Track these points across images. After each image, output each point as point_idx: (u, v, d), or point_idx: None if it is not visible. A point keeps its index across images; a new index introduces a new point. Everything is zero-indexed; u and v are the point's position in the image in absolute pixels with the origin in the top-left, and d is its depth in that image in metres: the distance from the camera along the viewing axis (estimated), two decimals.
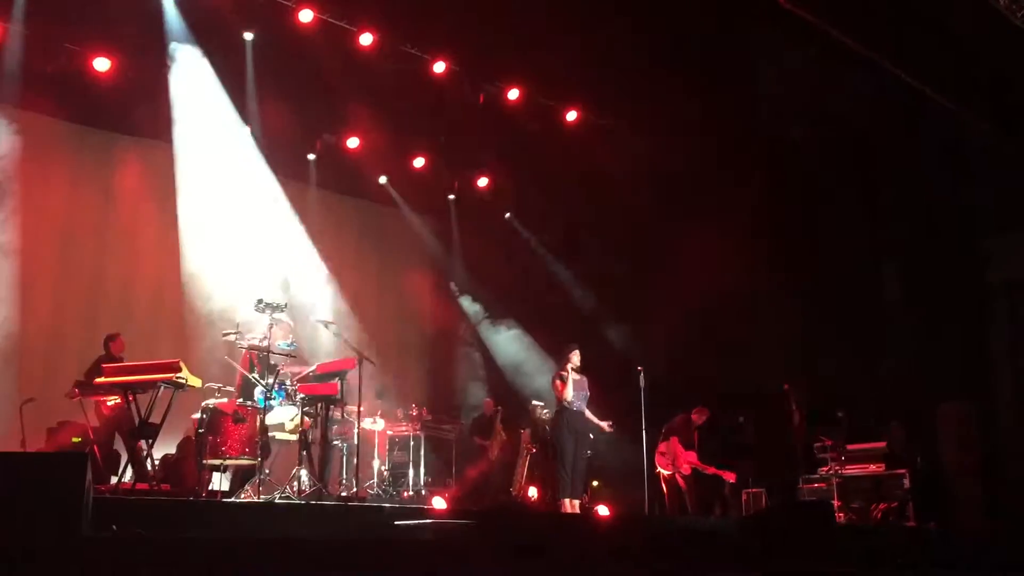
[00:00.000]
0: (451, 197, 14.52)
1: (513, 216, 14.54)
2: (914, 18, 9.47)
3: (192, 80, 11.10)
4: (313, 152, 13.08)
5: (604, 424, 9.55)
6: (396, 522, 5.88)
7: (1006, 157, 11.26)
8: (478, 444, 12.29)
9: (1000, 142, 11.15)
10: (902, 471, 10.24)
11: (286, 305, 8.54)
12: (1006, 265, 11.48)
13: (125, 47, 10.41)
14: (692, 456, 10.97)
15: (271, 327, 8.32)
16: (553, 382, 9.51)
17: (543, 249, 14.15)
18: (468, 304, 14.18)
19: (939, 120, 10.76)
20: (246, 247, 12.54)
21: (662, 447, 11.03)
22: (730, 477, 10.81)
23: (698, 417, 11.18)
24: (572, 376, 9.34)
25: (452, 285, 14.29)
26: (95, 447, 8.70)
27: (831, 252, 11.72)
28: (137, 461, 8.16)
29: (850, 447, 10.61)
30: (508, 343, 13.72)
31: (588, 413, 9.50)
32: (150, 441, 7.75)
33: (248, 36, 10.76)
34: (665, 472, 11.02)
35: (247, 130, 12.31)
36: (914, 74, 10.10)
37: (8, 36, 9.89)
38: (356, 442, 9.26)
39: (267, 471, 8.19)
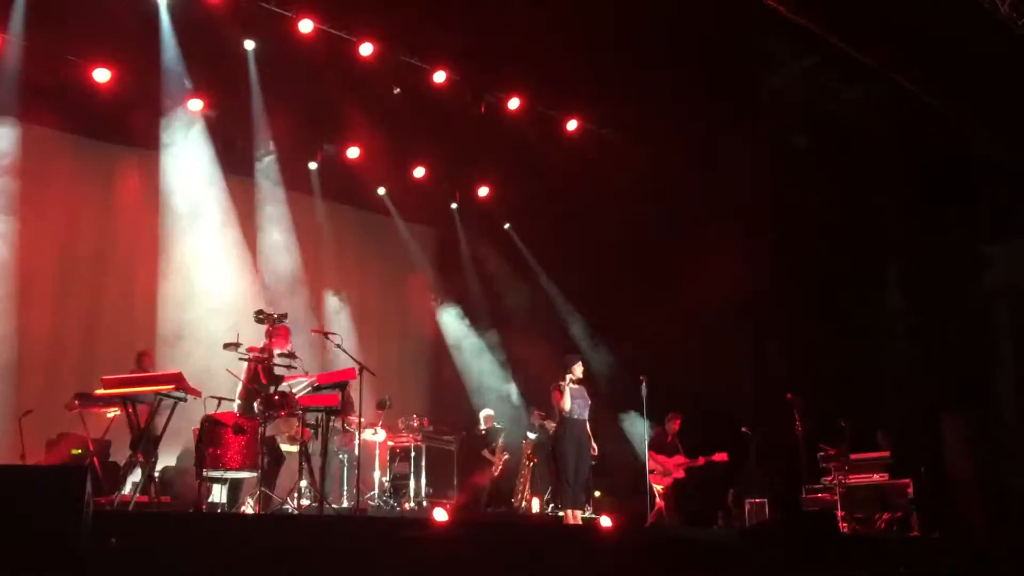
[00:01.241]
0: (453, 206, 14.50)
1: (513, 226, 14.53)
2: (914, 26, 9.46)
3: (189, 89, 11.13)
4: (314, 162, 13.07)
5: (594, 445, 9.52)
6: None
7: (1007, 163, 11.26)
8: (486, 458, 12.19)
9: (1000, 149, 11.16)
10: (906, 480, 10.19)
11: (286, 316, 8.51)
12: (1008, 271, 11.47)
13: (124, 58, 10.38)
14: (679, 459, 10.95)
15: (271, 338, 8.31)
16: (552, 393, 9.46)
17: (543, 257, 14.13)
18: (451, 317, 14.15)
19: (940, 127, 10.76)
20: (247, 258, 12.54)
21: (650, 464, 10.98)
22: (722, 457, 10.79)
23: (672, 425, 11.16)
24: (571, 386, 9.30)
25: (434, 300, 14.22)
26: (95, 459, 8.65)
27: (833, 259, 11.69)
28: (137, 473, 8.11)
29: (853, 456, 10.57)
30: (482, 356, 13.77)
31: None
32: (150, 453, 7.71)
33: (249, 46, 10.74)
34: (659, 487, 10.98)
35: (248, 139, 12.35)
36: (914, 81, 10.10)
37: (7, 47, 9.88)
38: (357, 453, 9.23)
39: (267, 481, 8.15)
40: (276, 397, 7.94)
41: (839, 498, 10.20)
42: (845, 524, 9.95)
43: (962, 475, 10.71)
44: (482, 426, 12.56)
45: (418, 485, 11.07)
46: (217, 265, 12.26)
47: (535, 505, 11.54)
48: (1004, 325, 11.52)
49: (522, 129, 12.20)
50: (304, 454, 8.47)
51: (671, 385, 10.74)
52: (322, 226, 13.91)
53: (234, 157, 12.47)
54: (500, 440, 12.18)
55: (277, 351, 8.34)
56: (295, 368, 8.55)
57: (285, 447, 8.93)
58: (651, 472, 10.90)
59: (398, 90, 11.20)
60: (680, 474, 10.90)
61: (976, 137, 11.06)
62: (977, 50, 9.76)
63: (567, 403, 9.22)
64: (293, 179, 13.15)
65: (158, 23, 10.21)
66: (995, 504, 10.55)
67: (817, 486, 10.68)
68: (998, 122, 10.76)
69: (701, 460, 10.86)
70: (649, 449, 10.94)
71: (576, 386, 9.34)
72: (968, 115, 10.68)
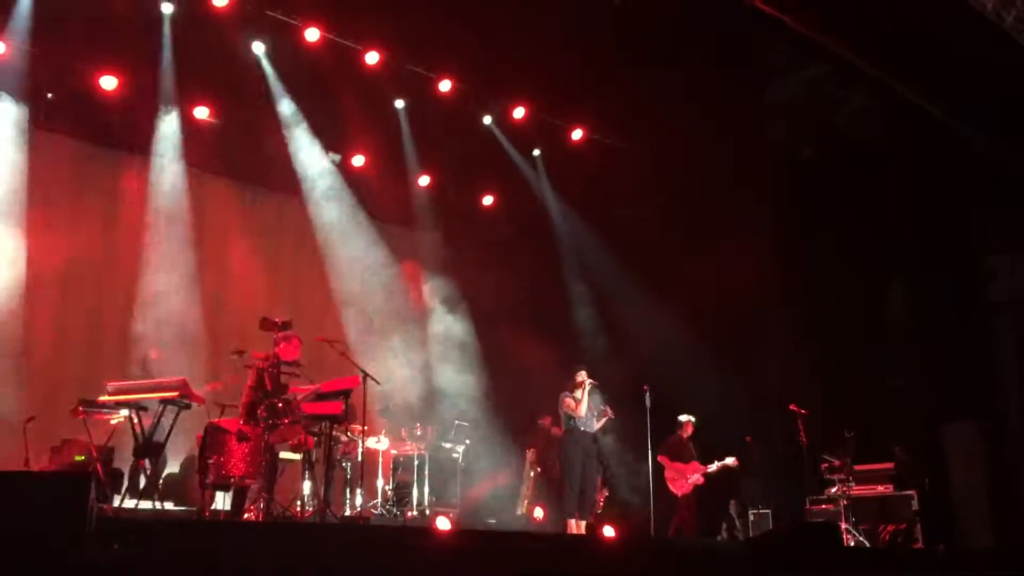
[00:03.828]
0: (462, 214, 14.50)
1: (516, 234, 14.53)
2: (919, 37, 9.48)
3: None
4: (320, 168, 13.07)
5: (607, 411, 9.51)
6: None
7: (1010, 175, 11.25)
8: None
9: (1004, 160, 11.15)
10: (910, 492, 10.17)
11: (290, 323, 8.51)
12: (1011, 283, 11.45)
13: (131, 65, 10.42)
14: (695, 466, 10.95)
15: (276, 345, 8.32)
16: (563, 400, 9.46)
17: (548, 266, 14.13)
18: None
19: (944, 138, 10.76)
20: (252, 264, 12.57)
21: (667, 473, 10.99)
22: (734, 462, 10.86)
23: (686, 428, 11.16)
24: (581, 395, 9.33)
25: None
26: (98, 465, 8.66)
27: (837, 269, 11.69)
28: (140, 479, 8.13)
29: (857, 468, 10.55)
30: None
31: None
32: (153, 460, 7.73)
33: (259, 49, 10.76)
34: (681, 493, 10.97)
35: (252, 146, 12.39)
36: (919, 92, 10.11)
37: (15, 54, 9.93)
38: (360, 461, 9.22)
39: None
40: (280, 405, 7.94)
41: (843, 509, 10.18)
42: (849, 536, 9.93)
43: (967, 486, 10.68)
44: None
45: (421, 493, 11.06)
46: (222, 272, 12.31)
47: (538, 514, 11.52)
48: (1008, 335, 11.49)
49: (527, 138, 12.23)
50: (307, 462, 8.47)
51: (674, 395, 10.73)
52: (326, 233, 13.94)
53: (238, 164, 12.53)
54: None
55: (282, 359, 8.35)
56: (298, 376, 8.56)
57: (288, 455, 8.92)
58: (672, 480, 10.91)
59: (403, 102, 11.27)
60: (700, 481, 10.92)
61: (981, 147, 11.06)
62: (982, 60, 9.77)
63: (583, 409, 9.26)
64: (297, 186, 13.19)
65: (164, 30, 10.25)
66: (1000, 515, 10.51)
67: (821, 497, 10.65)
68: (1003, 132, 10.76)
69: (717, 466, 10.88)
70: (662, 455, 10.95)
71: (588, 397, 9.38)
72: (973, 125, 10.68)
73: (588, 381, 9.38)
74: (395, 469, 11.34)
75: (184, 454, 10.13)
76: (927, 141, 10.94)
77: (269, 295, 12.47)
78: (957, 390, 10.95)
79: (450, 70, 11.32)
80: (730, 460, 10.84)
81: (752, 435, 11.28)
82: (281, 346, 8.37)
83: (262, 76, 10.99)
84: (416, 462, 11.14)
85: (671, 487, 10.89)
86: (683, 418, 11.16)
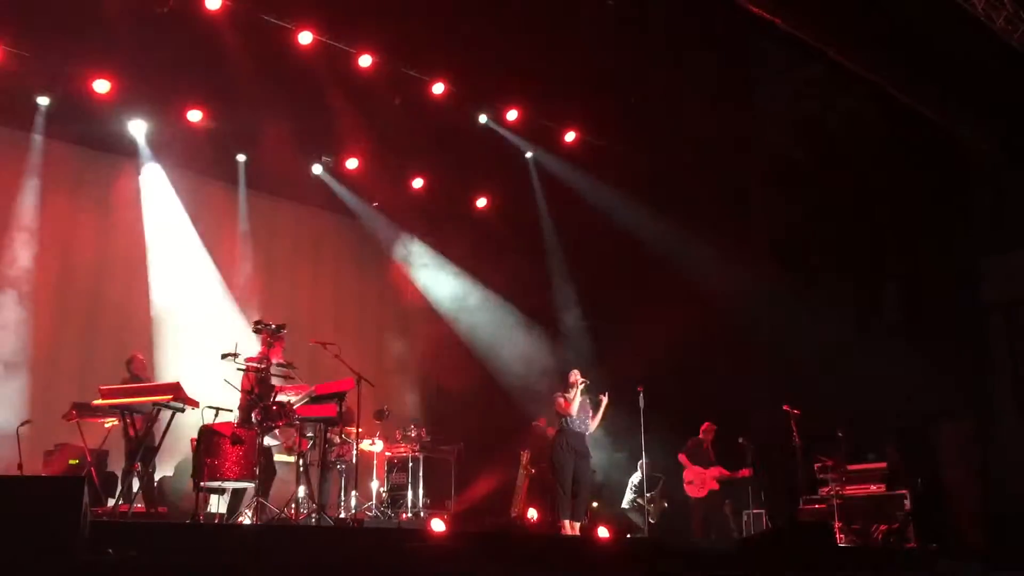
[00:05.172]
0: (455, 216, 14.50)
1: (509, 237, 14.55)
2: (911, 40, 9.52)
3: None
4: (312, 173, 13.09)
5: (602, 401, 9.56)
6: None
7: (1003, 176, 11.29)
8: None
9: (997, 162, 11.19)
10: (903, 491, 10.20)
11: (284, 326, 8.52)
12: (1005, 284, 11.48)
13: (124, 69, 10.41)
14: (717, 471, 11.03)
15: (269, 348, 8.32)
16: (556, 400, 9.48)
17: (542, 267, 14.14)
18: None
19: (937, 138, 10.80)
20: (247, 269, 12.58)
21: (687, 475, 11.08)
22: (746, 473, 11.00)
23: (706, 435, 11.25)
24: (573, 395, 9.35)
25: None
26: (92, 469, 8.65)
27: (830, 270, 11.72)
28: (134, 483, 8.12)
29: (850, 467, 10.58)
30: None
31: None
32: (147, 463, 7.73)
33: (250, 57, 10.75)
34: (697, 497, 11.03)
35: (246, 150, 12.41)
36: (912, 95, 10.15)
37: (9, 58, 9.92)
38: (355, 464, 9.22)
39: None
40: (275, 407, 7.94)
41: (836, 509, 10.21)
42: (842, 535, 9.95)
43: (959, 486, 10.71)
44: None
45: (415, 496, 11.07)
46: (214, 275, 12.32)
47: (532, 515, 11.54)
48: (1000, 336, 11.52)
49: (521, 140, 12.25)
50: (302, 464, 8.47)
51: (669, 396, 10.75)
52: (320, 236, 13.96)
53: (232, 168, 12.53)
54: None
55: (275, 361, 8.35)
56: (293, 379, 8.56)
57: (282, 457, 8.93)
58: (690, 483, 11.00)
59: (398, 101, 11.26)
60: (714, 485, 11.00)
61: (973, 149, 11.11)
62: (973, 63, 9.81)
63: (574, 409, 9.30)
64: (292, 190, 13.20)
65: (158, 34, 10.23)
66: (992, 515, 10.54)
67: (814, 497, 10.69)
68: (995, 134, 10.81)
69: (742, 474, 11.02)
70: (693, 460, 11.06)
71: (580, 396, 9.40)
72: (965, 128, 10.72)
73: (580, 381, 9.39)
74: (389, 471, 11.36)
75: (178, 458, 10.12)
76: (921, 141, 10.97)
77: (265, 298, 12.48)
78: (950, 390, 10.98)
79: (443, 73, 11.32)
80: (745, 472, 11.04)
81: (745, 435, 11.30)
82: (274, 348, 8.38)
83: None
84: (410, 464, 11.15)
85: (688, 491, 11.01)
86: (707, 423, 11.36)
